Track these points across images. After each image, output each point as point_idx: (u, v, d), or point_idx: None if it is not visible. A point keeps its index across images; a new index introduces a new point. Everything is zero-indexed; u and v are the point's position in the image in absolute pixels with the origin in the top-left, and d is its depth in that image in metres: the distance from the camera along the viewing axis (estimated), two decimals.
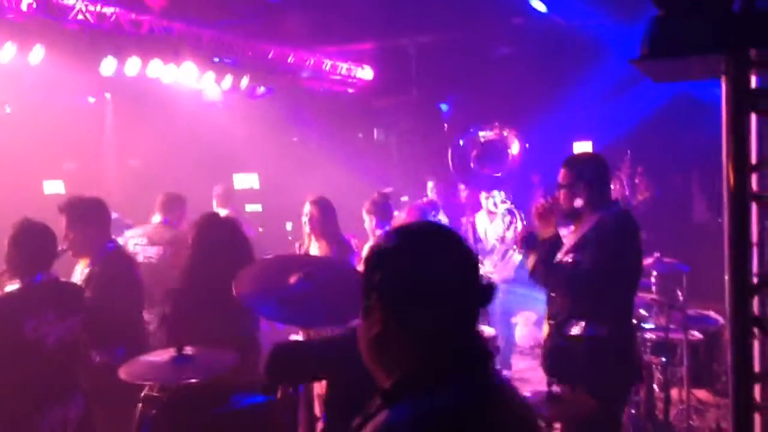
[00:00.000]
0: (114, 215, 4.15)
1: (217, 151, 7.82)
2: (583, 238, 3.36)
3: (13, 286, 3.32)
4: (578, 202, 3.40)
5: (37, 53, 5.12)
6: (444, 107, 9.31)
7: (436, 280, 1.34)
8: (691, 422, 4.74)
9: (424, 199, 6.63)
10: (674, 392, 4.89)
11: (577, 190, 3.41)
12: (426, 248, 1.38)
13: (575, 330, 3.32)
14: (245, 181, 8.59)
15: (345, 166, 8.17)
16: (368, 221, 5.25)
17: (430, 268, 1.34)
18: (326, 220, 4.73)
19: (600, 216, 3.36)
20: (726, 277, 2.12)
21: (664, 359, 4.65)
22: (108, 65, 5.59)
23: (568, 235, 3.55)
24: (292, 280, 3.16)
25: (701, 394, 5.11)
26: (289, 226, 7.65)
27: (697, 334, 4.84)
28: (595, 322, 3.28)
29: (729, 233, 2.08)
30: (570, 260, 3.34)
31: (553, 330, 3.45)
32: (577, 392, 3.20)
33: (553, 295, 3.49)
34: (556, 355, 3.46)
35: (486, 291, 1.38)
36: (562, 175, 3.48)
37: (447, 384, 1.31)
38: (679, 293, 5.21)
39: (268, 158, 8.39)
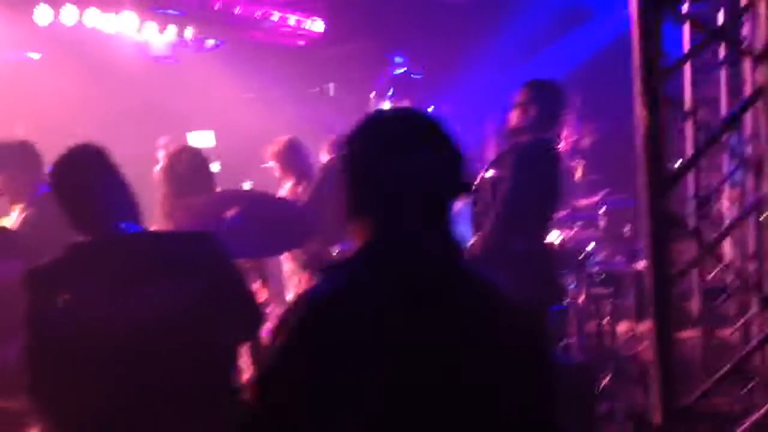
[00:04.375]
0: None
1: (169, 110, 7.67)
2: (503, 155, 3.47)
3: None
4: (524, 122, 3.50)
5: None
6: (398, 59, 9.21)
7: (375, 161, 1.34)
8: (639, 350, 4.85)
9: None
10: (623, 326, 4.99)
11: (528, 111, 3.50)
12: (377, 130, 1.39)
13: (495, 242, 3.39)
14: (201, 139, 8.45)
15: (302, 121, 8.08)
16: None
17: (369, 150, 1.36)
18: (299, 159, 4.73)
19: (525, 139, 3.48)
20: (640, 176, 2.15)
21: (611, 291, 4.74)
22: (42, 14, 5.41)
23: None
24: (229, 214, 3.19)
25: (649, 326, 5.21)
26: (247, 185, 7.55)
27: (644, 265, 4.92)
28: (515, 236, 3.35)
29: (643, 130, 2.10)
30: (492, 174, 3.43)
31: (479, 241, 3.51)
32: None
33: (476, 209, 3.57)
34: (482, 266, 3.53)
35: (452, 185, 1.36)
36: (519, 93, 3.58)
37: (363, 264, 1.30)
38: (628, 227, 5.31)
39: (224, 115, 8.25)
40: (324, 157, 5.21)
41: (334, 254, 4.11)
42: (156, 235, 2.30)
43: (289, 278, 4.64)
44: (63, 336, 2.06)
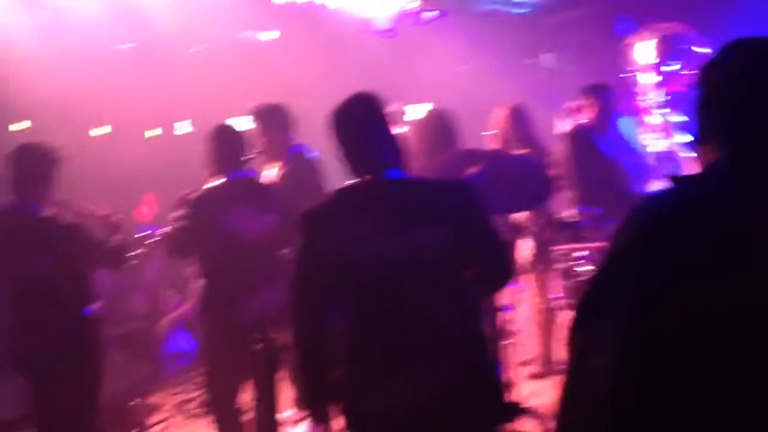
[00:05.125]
0: None
1: (390, 84, 7.87)
2: None
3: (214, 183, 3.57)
4: None
5: None
6: (622, 26, 8.71)
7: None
8: None
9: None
10: None
11: None
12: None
13: None
14: (419, 112, 8.61)
15: (517, 93, 7.93)
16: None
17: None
18: (525, 126, 4.67)
19: None
20: None
21: None
22: None
23: None
24: (471, 171, 3.21)
25: None
26: None
27: None
28: None
29: None
30: None
31: None
32: None
33: None
34: None
35: None
36: None
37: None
38: None
39: (440, 88, 8.33)
40: (561, 125, 5.07)
41: (566, 218, 3.99)
42: (419, 181, 2.36)
43: None
44: (328, 274, 2.18)
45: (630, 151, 4.78)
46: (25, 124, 7.56)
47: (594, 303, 1.25)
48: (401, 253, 2.12)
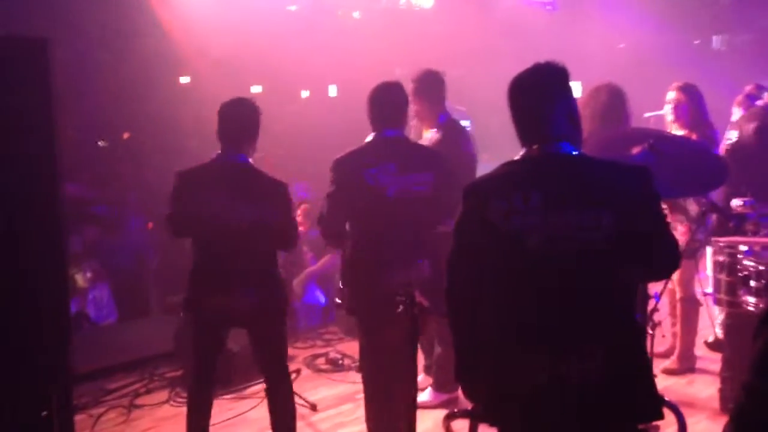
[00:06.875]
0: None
1: (543, 58, 7.66)
2: None
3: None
4: None
5: None
6: None
7: None
8: None
9: None
10: None
11: None
12: None
13: None
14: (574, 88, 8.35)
15: (681, 76, 7.46)
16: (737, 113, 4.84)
17: None
18: (695, 107, 4.36)
19: None
20: None
21: None
22: None
23: None
24: (635, 150, 3.06)
25: None
26: None
27: None
28: None
29: None
30: None
31: None
32: None
33: None
34: None
35: None
36: None
37: None
38: None
39: (596, 65, 8.00)
40: (737, 111, 4.71)
41: (734, 208, 3.72)
42: (593, 159, 2.24)
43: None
44: (486, 248, 2.13)
45: None
46: (186, 79, 8.02)
47: None
48: (560, 232, 2.04)
